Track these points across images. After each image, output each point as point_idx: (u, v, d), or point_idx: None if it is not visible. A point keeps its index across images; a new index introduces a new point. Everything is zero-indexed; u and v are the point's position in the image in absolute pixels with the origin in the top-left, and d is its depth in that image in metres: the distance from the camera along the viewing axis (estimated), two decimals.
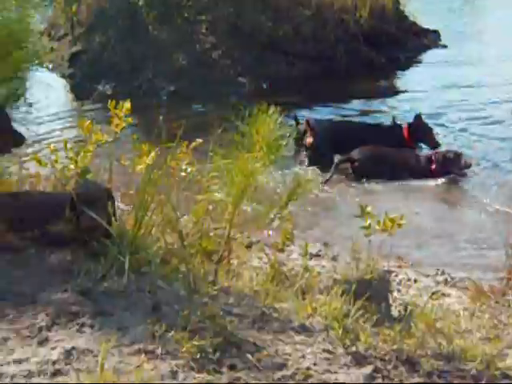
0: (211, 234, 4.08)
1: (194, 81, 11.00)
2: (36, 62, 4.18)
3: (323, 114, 9.93)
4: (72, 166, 4.38)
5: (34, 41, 4.23)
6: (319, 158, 7.94)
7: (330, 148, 7.96)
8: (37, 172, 4.79)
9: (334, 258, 5.54)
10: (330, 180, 7.57)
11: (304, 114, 9.31)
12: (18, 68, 4.07)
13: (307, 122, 8.25)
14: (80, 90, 11.26)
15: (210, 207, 4.11)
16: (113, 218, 3.63)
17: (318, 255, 5.71)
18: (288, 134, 3.77)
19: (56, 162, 4.38)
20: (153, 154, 4.18)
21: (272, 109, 3.76)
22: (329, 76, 11.53)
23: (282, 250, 4.24)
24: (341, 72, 11.77)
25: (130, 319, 3.03)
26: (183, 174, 4.25)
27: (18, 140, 4.03)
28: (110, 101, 4.35)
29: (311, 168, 7.82)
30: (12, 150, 4.14)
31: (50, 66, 11.67)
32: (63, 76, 11.69)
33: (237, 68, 11.43)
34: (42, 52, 4.36)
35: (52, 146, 4.53)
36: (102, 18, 12.11)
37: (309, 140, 8.05)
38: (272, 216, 3.92)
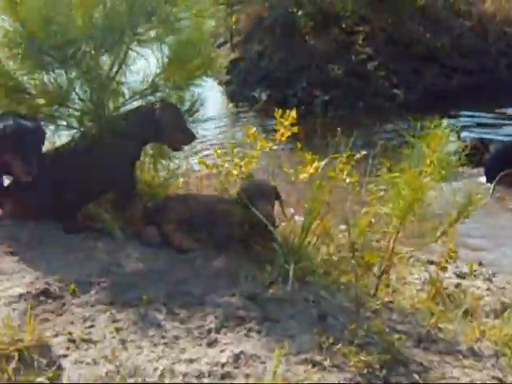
0: (372, 246, 4.03)
1: (349, 91, 10.95)
2: (210, 69, 4.26)
3: (481, 125, 9.63)
4: (235, 172, 4.48)
5: (208, 49, 4.32)
6: (490, 174, 7.66)
7: (501, 166, 7.64)
8: (200, 174, 4.91)
9: (490, 279, 5.31)
10: (493, 195, 7.28)
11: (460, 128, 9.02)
12: (193, 75, 4.19)
13: (478, 139, 7.99)
14: (236, 96, 11.54)
15: (373, 220, 4.05)
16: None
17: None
18: (460, 150, 3.63)
19: (222, 166, 4.50)
20: (317, 163, 4.20)
21: (445, 123, 3.65)
22: (489, 90, 11.12)
23: (444, 269, 4.10)
24: (502, 86, 11.31)
25: (296, 327, 3.03)
26: (344, 185, 4.22)
27: (190, 138, 4.12)
28: (276, 109, 4.41)
29: (481, 185, 7.55)
30: (183, 148, 4.24)
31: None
32: (220, 83, 12.00)
33: (392, 80, 11.26)
34: (215, 60, 4.43)
35: (217, 150, 4.65)
36: (259, 27, 12.36)
37: (480, 156, 7.79)
38: (439, 233, 3.80)
